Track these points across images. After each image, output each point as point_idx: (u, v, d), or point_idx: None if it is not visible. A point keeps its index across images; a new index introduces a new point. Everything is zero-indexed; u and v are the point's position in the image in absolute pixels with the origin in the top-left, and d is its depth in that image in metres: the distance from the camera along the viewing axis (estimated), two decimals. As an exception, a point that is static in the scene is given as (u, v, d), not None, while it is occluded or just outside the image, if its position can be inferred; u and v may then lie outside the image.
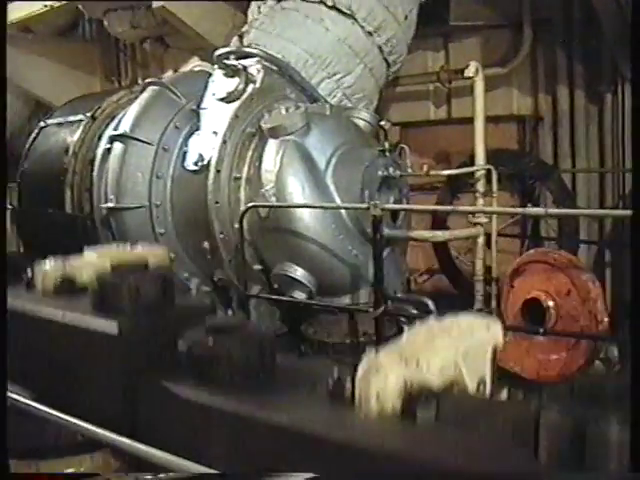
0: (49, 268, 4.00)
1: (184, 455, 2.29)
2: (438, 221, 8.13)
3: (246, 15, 7.64)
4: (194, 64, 8.13)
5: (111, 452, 3.52)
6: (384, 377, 2.04)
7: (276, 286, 6.05)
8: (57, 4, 9.94)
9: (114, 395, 2.83)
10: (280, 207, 5.83)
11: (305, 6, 6.93)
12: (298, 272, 5.89)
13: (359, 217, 5.86)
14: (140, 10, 9.99)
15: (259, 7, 7.33)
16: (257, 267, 6.13)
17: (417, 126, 9.32)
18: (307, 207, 5.81)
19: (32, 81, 12.02)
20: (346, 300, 6.08)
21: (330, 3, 6.79)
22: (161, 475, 2.16)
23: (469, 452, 1.84)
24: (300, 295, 5.91)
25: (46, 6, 10.08)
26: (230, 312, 6.02)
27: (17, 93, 12.47)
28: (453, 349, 2.10)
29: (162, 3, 8.38)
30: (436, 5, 7.85)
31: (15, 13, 10.83)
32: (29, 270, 4.16)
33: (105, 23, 10.78)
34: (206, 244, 6.15)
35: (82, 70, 12.36)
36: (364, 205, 5.47)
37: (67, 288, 3.64)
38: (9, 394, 2.99)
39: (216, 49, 6.79)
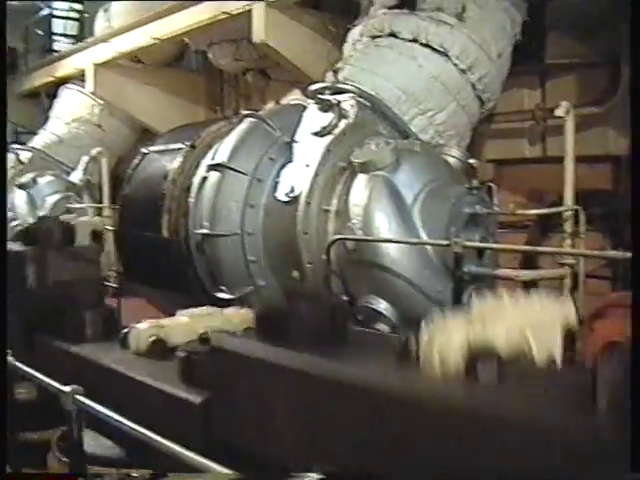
0: (142, 329, 4.46)
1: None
2: (528, 260, 8.03)
3: (341, 51, 7.82)
4: (293, 97, 8.32)
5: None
6: (448, 336, 2.04)
7: (360, 318, 6.07)
8: (165, 37, 10.36)
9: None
10: (365, 241, 5.89)
11: (399, 44, 7.05)
12: (382, 305, 5.91)
13: (444, 254, 5.85)
14: (243, 43, 10.32)
15: (354, 44, 7.49)
16: (343, 298, 6.19)
17: (512, 164, 9.23)
18: (390, 242, 5.84)
19: (139, 109, 12.55)
20: (429, 335, 6.04)
21: (424, 41, 6.90)
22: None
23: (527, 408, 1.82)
24: (383, 328, 5.91)
25: (155, 39, 10.52)
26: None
27: (125, 119, 13.05)
28: (521, 318, 2.07)
29: (263, 38, 8.63)
30: (532, 43, 7.85)
31: (125, 44, 11.36)
32: (124, 329, 4.62)
33: (209, 55, 11.18)
34: (295, 273, 6.23)
35: (187, 99, 12.82)
36: (445, 242, 5.50)
37: (159, 349, 4.01)
38: (93, 405, 3.19)
39: (312, 83, 6.97)
